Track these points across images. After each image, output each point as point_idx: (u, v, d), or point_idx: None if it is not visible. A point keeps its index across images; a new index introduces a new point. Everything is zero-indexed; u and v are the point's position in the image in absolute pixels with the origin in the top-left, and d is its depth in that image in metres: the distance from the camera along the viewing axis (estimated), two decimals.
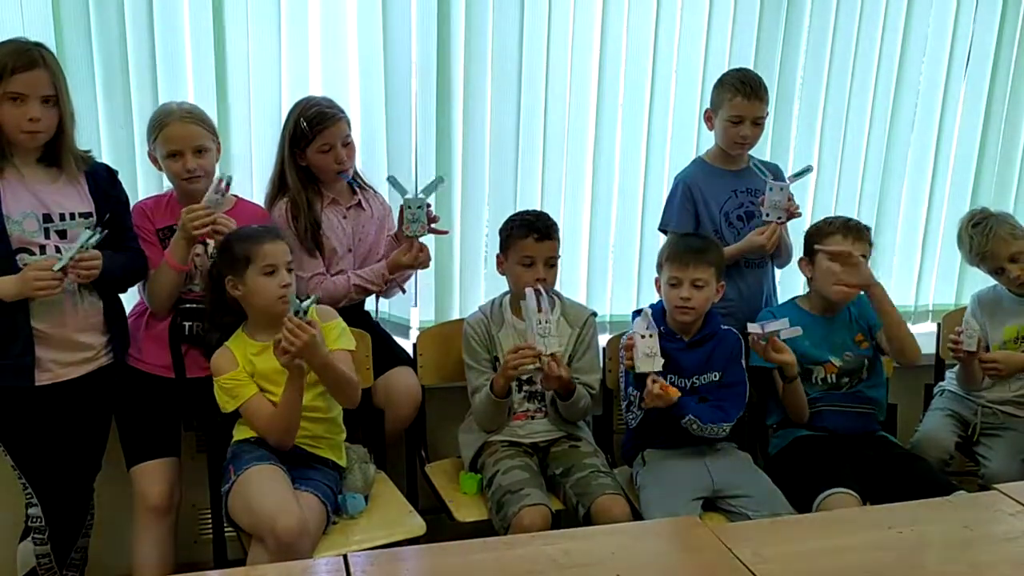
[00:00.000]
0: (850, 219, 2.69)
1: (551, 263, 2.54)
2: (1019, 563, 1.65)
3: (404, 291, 2.81)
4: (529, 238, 2.52)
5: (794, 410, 2.59)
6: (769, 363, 2.52)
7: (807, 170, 2.81)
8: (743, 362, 2.57)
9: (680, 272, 2.48)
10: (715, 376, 2.53)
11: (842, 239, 2.60)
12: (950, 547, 1.75)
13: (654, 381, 2.32)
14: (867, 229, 2.67)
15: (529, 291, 2.39)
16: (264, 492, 2.13)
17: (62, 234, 2.15)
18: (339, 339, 2.32)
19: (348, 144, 2.59)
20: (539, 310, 2.37)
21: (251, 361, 2.26)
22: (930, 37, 3.32)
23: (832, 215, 2.81)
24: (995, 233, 2.76)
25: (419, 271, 2.76)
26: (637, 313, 2.48)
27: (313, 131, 2.52)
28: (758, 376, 2.65)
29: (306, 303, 2.14)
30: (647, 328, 2.36)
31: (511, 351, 2.41)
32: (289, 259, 2.28)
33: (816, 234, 2.68)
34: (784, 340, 2.45)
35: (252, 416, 2.25)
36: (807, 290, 2.78)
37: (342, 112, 2.58)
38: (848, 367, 2.63)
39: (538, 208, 2.82)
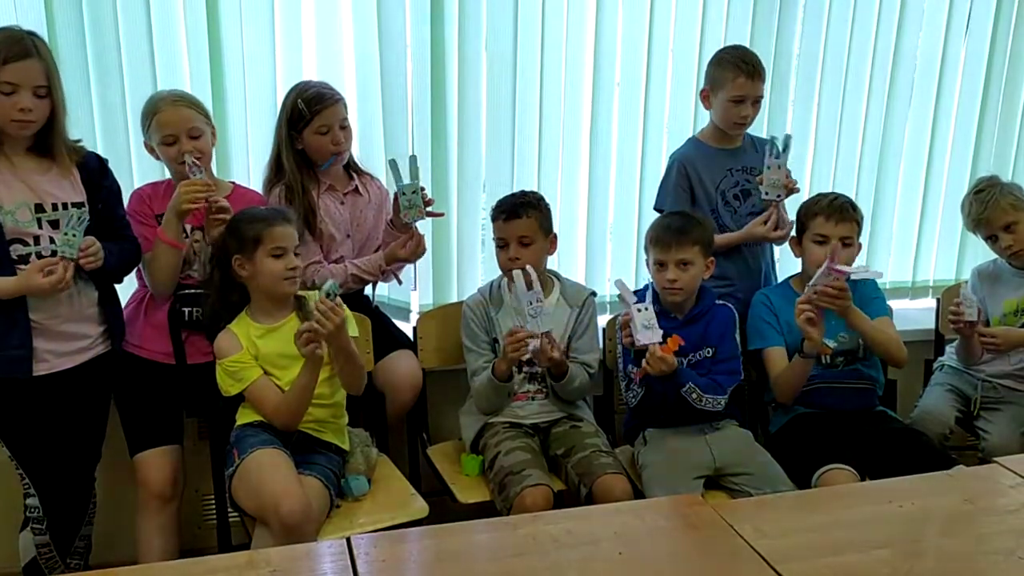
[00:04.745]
0: (836, 197, 2.63)
1: (525, 242, 2.51)
2: (1020, 534, 1.66)
3: (401, 282, 2.79)
4: (499, 219, 2.52)
5: (789, 388, 2.57)
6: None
7: (787, 139, 2.69)
8: (736, 336, 2.57)
9: (664, 254, 2.47)
10: (709, 352, 2.52)
11: (824, 222, 2.57)
12: (951, 520, 1.76)
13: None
14: (853, 207, 2.61)
15: (516, 273, 2.37)
16: (268, 476, 2.13)
17: (54, 224, 2.13)
18: None
19: (345, 127, 2.58)
20: (529, 289, 2.35)
21: (255, 343, 2.27)
22: (927, 8, 3.30)
23: (824, 192, 2.73)
24: (995, 201, 2.75)
25: None
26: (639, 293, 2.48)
27: (311, 112, 2.51)
28: (759, 357, 2.65)
29: (329, 285, 2.16)
30: (639, 300, 2.36)
31: (508, 335, 2.41)
32: (297, 243, 2.29)
33: (804, 215, 2.65)
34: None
35: (258, 399, 2.25)
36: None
37: (340, 95, 2.57)
38: (843, 347, 2.61)
39: (535, 190, 2.81)
